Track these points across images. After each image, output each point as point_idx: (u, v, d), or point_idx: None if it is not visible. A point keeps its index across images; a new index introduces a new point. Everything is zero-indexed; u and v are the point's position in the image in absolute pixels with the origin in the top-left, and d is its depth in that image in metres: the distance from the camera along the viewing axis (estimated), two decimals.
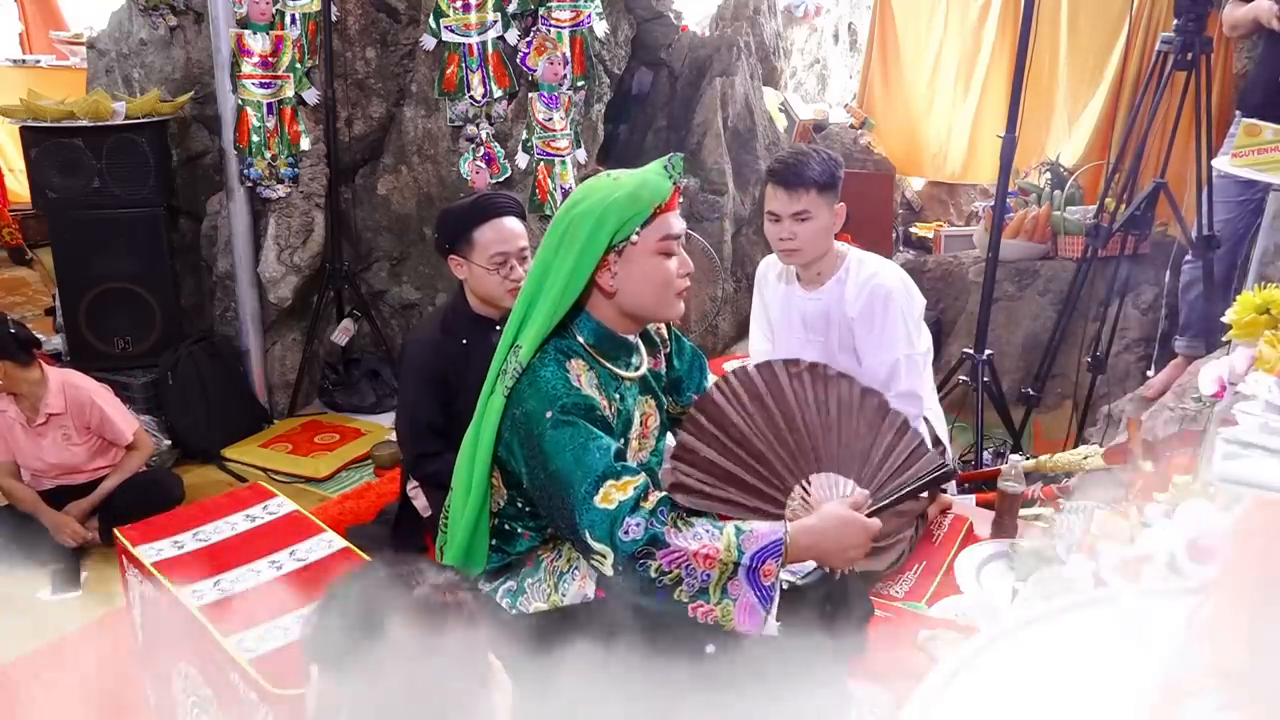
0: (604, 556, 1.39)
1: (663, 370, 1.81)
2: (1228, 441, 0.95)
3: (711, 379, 1.92)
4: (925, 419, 2.47)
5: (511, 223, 2.34)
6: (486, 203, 2.36)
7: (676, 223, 1.58)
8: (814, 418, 1.61)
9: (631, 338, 1.66)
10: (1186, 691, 0.77)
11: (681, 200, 1.64)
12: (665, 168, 1.56)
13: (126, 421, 3.03)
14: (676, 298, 1.60)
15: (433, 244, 2.50)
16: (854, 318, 2.41)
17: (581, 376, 1.54)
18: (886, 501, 1.54)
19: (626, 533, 1.37)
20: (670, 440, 1.83)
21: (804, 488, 1.54)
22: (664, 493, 1.47)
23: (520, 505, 1.62)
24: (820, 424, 1.60)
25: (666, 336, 1.85)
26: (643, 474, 1.46)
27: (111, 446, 3.03)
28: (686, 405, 1.85)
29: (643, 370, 1.69)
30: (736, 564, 1.36)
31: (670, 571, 1.36)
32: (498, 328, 2.42)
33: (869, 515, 1.52)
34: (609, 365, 1.60)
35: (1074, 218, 4.20)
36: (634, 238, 1.54)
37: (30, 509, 2.86)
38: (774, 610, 1.36)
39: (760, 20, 5.35)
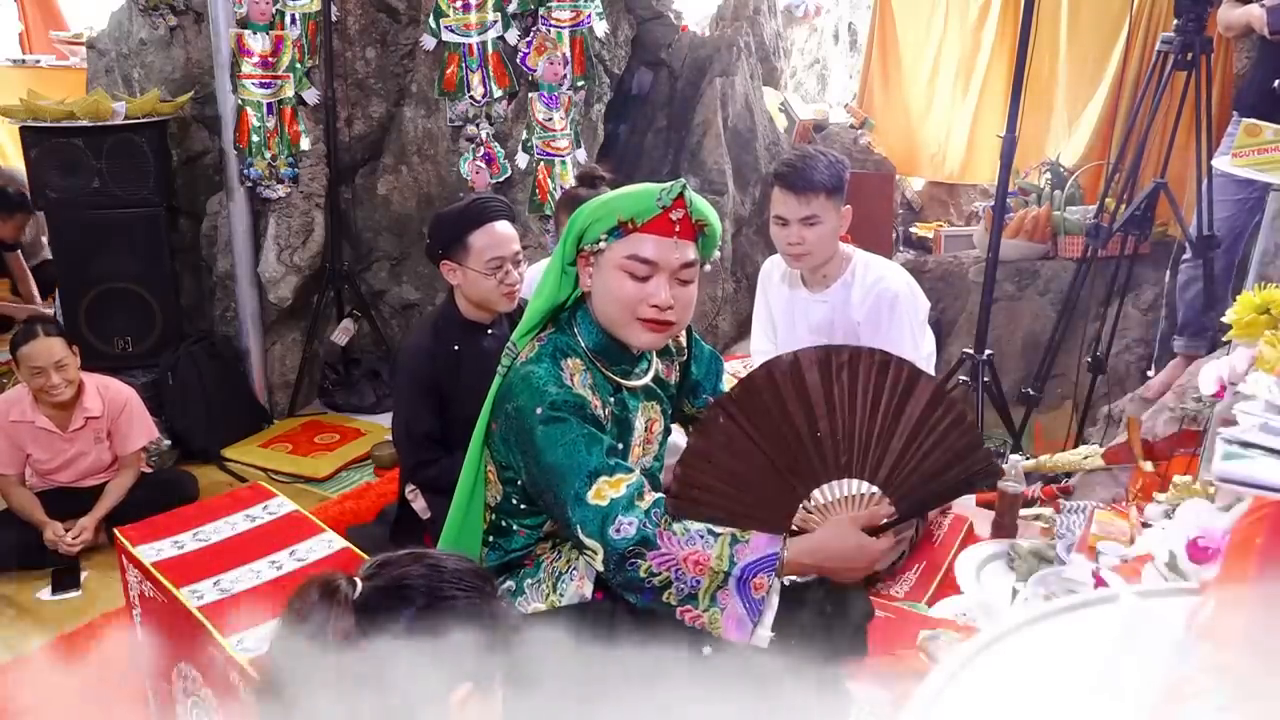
0: (595, 553, 1.38)
1: (673, 380, 1.78)
2: (1228, 441, 0.94)
3: (728, 380, 1.90)
4: None
5: (504, 226, 2.34)
6: (480, 207, 2.36)
7: (654, 250, 1.48)
8: (840, 420, 1.42)
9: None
10: (1186, 691, 0.77)
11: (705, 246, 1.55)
12: (660, 192, 1.48)
13: (143, 436, 2.99)
14: (639, 324, 1.51)
15: (424, 249, 2.51)
16: (859, 321, 2.41)
17: (575, 376, 1.53)
18: (909, 514, 1.42)
19: (618, 531, 1.36)
20: (672, 441, 1.82)
21: (819, 497, 1.45)
22: (660, 494, 1.46)
23: (515, 502, 1.62)
24: (844, 425, 1.42)
25: (684, 344, 1.81)
26: (637, 471, 1.45)
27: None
28: (701, 408, 1.83)
29: (647, 379, 1.67)
30: (727, 574, 1.33)
31: (659, 574, 1.34)
32: (489, 331, 2.42)
33: (890, 523, 1.43)
34: (606, 371, 1.59)
35: (1074, 218, 4.20)
36: (601, 244, 1.51)
37: (35, 522, 2.79)
38: (764, 622, 1.33)
39: (760, 20, 5.34)
